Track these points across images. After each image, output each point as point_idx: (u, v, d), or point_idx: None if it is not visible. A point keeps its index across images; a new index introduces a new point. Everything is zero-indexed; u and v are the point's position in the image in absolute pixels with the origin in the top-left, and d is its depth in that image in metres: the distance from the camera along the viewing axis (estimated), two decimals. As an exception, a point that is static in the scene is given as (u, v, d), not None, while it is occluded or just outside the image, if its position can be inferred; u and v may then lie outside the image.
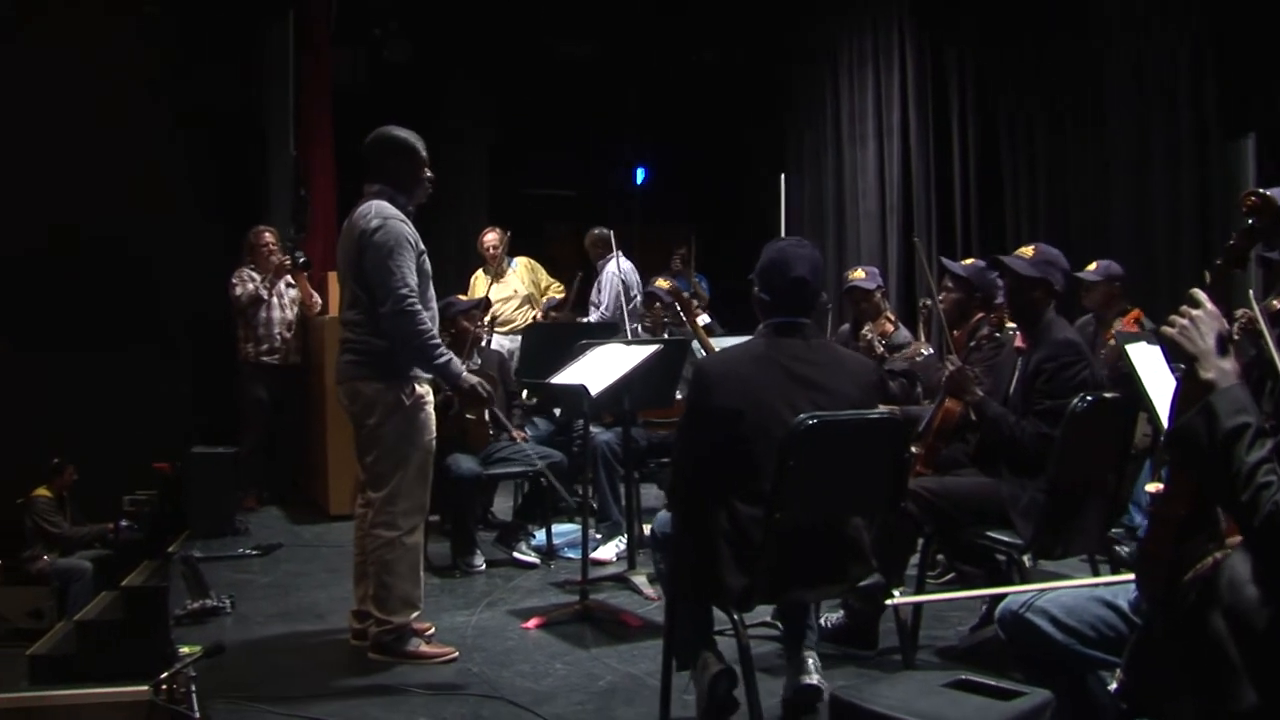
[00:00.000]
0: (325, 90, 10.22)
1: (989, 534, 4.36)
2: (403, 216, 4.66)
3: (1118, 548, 5.64)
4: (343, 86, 10.68)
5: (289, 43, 9.83)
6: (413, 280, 4.56)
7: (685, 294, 7.61)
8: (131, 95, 9.13)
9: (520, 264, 9.30)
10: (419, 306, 4.55)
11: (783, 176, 6.06)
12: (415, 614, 4.75)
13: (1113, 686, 2.55)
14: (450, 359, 4.68)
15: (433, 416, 4.82)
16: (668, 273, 9.89)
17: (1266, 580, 2.14)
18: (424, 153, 4.81)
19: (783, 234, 5.84)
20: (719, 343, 6.11)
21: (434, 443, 4.80)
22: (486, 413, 6.44)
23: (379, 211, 4.61)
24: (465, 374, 4.77)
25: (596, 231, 9.47)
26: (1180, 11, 7.73)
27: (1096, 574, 4.53)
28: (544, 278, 9.42)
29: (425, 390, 4.77)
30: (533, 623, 5.15)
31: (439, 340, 4.67)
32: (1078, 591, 2.74)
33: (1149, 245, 7.78)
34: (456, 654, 4.73)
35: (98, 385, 8.75)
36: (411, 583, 4.72)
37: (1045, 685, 2.78)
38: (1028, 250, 4.67)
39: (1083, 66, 8.53)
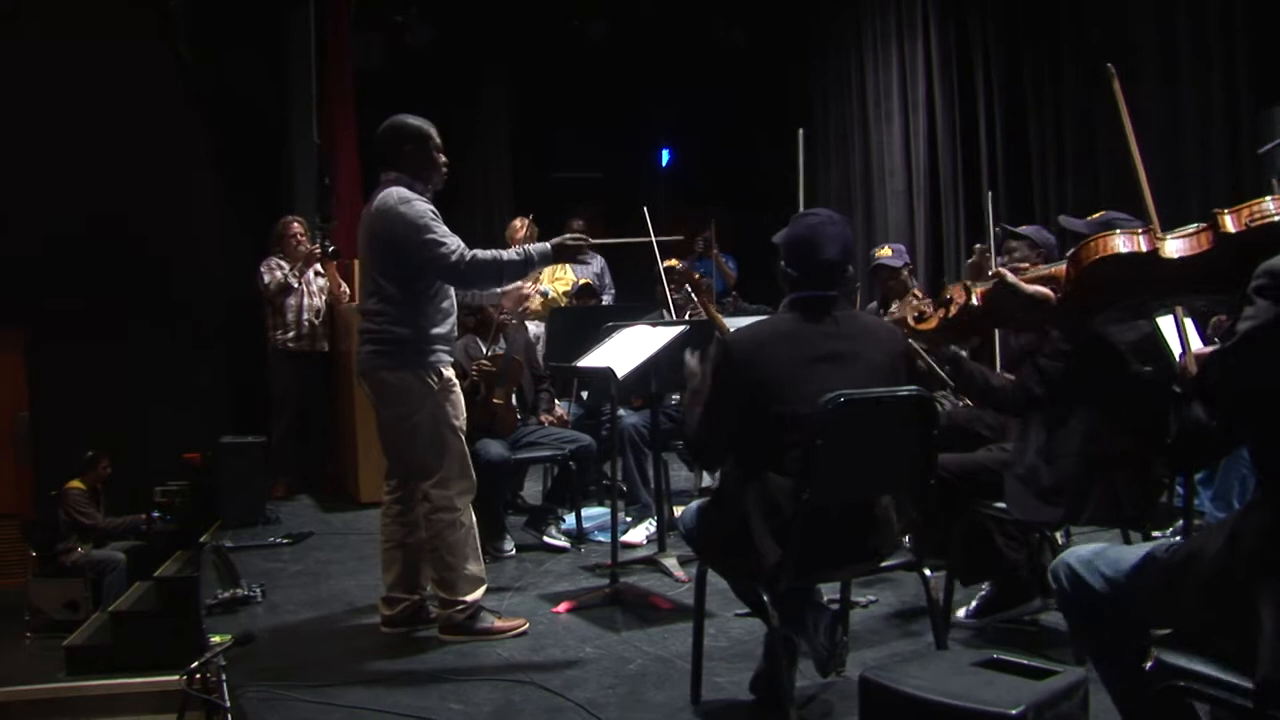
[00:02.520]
0: (347, 76, 10.23)
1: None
2: (424, 198, 4.68)
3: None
4: (365, 72, 10.67)
5: (310, 29, 9.83)
6: (453, 239, 4.59)
7: (701, 276, 7.50)
8: (155, 85, 9.16)
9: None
10: (468, 251, 4.58)
11: (800, 132, 5.93)
12: (483, 589, 4.81)
13: (1149, 664, 2.52)
14: (523, 251, 4.71)
15: (462, 398, 4.84)
16: (691, 256, 9.88)
17: None
18: (437, 138, 4.82)
19: (800, 192, 5.73)
20: (731, 324, 6.06)
21: (466, 423, 4.84)
22: (513, 395, 6.45)
23: (400, 196, 4.63)
24: (550, 244, 4.78)
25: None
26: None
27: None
28: (565, 274, 9.26)
29: (451, 374, 4.78)
30: (563, 607, 5.15)
31: (505, 252, 4.70)
32: (1125, 548, 2.71)
33: (1180, 215, 7.68)
34: (527, 625, 4.82)
35: (127, 376, 8.81)
36: (475, 561, 4.78)
37: (1093, 643, 2.74)
38: (1096, 215, 4.58)
39: (1111, 34, 8.43)
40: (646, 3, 12.23)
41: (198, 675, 3.71)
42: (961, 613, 4.67)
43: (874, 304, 6.77)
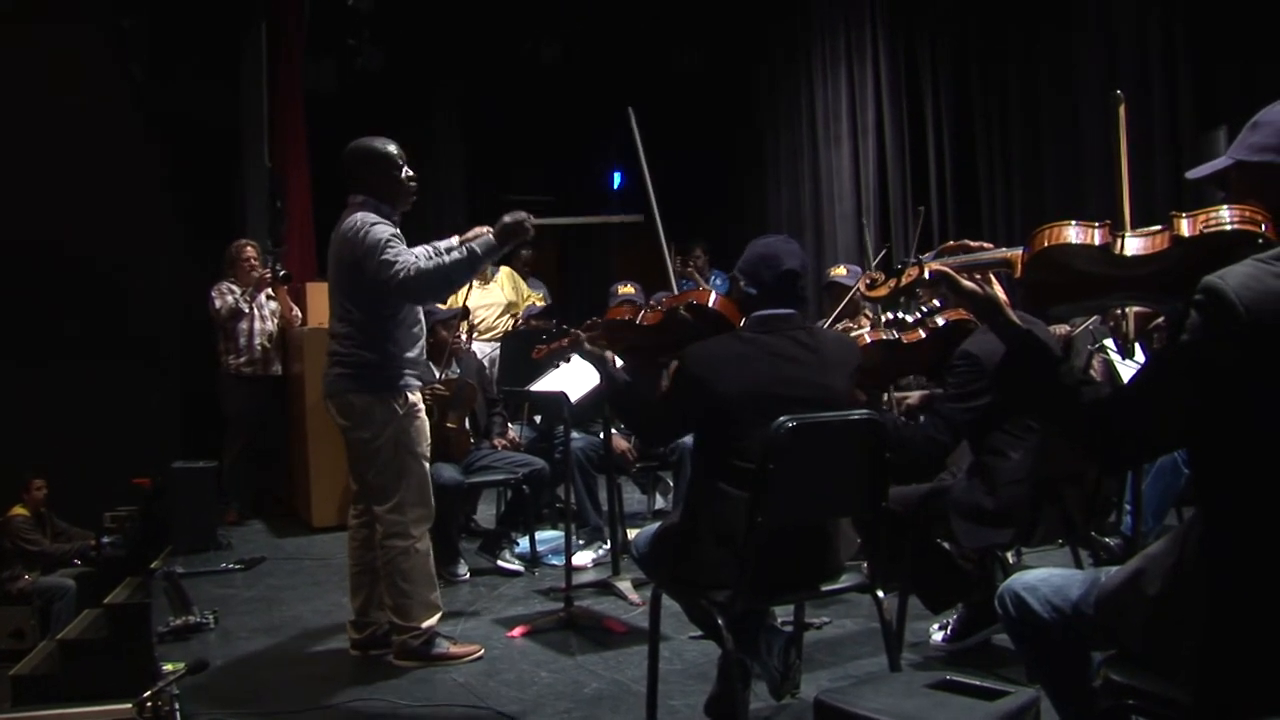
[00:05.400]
0: (299, 100, 10.19)
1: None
2: (388, 223, 4.66)
3: (1108, 539, 5.67)
4: (316, 96, 10.64)
5: (262, 53, 9.80)
6: (407, 255, 4.55)
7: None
8: (107, 108, 9.08)
9: (503, 272, 9.31)
10: (413, 266, 4.50)
11: (630, 110, 5.88)
12: (439, 615, 4.81)
13: (1097, 684, 2.55)
14: (467, 249, 4.59)
15: (427, 423, 4.84)
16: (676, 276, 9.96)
17: None
18: (400, 157, 4.80)
19: (645, 170, 5.70)
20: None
21: (429, 449, 4.83)
22: (466, 419, 6.45)
23: (363, 221, 4.61)
24: (489, 232, 4.67)
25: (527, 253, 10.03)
26: (1153, 3, 7.77)
27: (1080, 568, 4.54)
28: (524, 288, 9.45)
29: (417, 398, 4.77)
30: (517, 631, 5.15)
31: (448, 255, 4.63)
32: (1070, 573, 2.75)
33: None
34: (482, 651, 4.82)
35: (76, 400, 8.69)
36: (430, 587, 4.78)
37: (1041, 667, 2.77)
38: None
39: (1056, 59, 8.57)
40: (597, 27, 12.26)
41: (149, 704, 3.68)
42: (938, 637, 4.69)
43: (824, 321, 6.83)
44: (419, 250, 4.85)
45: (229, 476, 8.15)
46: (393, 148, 4.80)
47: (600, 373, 4.06)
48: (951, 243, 4.05)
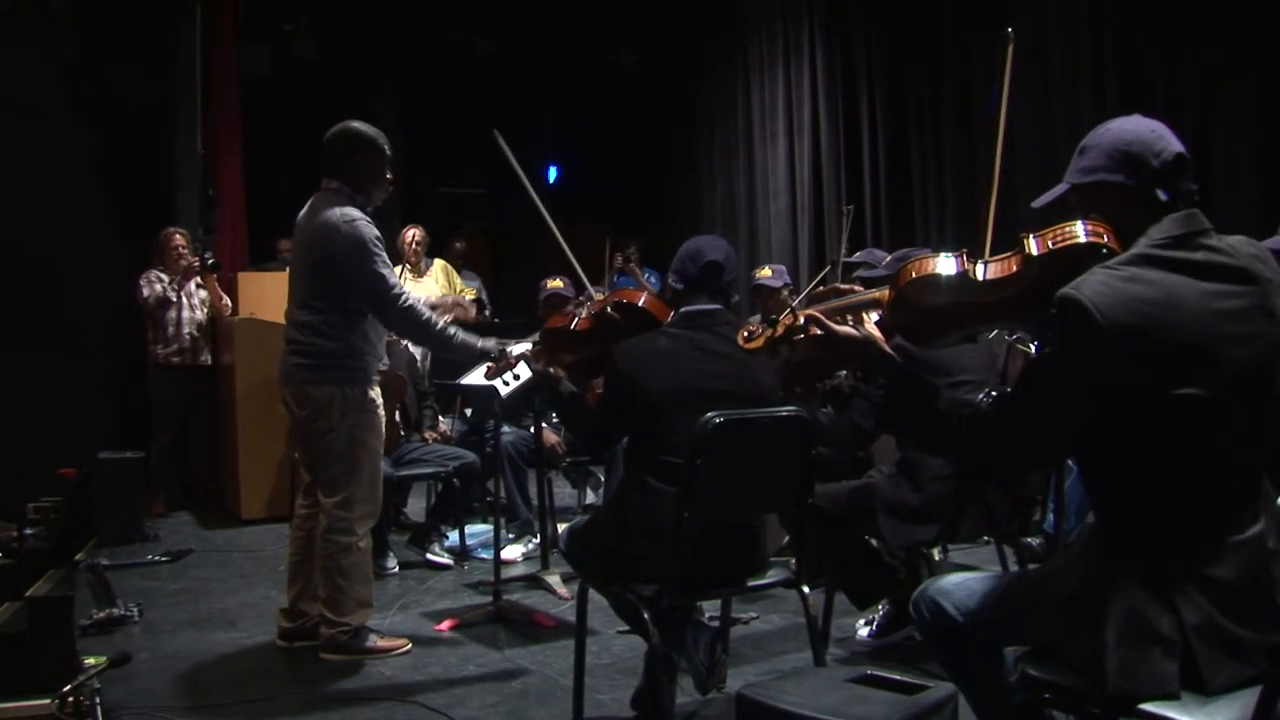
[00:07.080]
0: (233, 87, 10.09)
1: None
2: (367, 219, 4.60)
3: (1031, 538, 5.75)
4: (251, 83, 10.53)
5: (196, 37, 9.67)
6: (395, 275, 4.58)
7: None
8: (36, 92, 8.91)
9: (437, 265, 9.30)
10: (414, 299, 4.58)
11: (497, 134, 5.80)
12: (369, 612, 4.79)
13: (1014, 677, 2.60)
14: (461, 336, 4.66)
15: (383, 419, 4.80)
16: (613, 271, 9.96)
17: None
18: (389, 151, 4.75)
19: (532, 190, 5.70)
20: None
21: (384, 445, 4.80)
22: (396, 412, 6.42)
23: (344, 215, 4.53)
24: (492, 342, 4.71)
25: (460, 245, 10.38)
26: (1084, 4, 7.88)
27: (1005, 566, 4.61)
28: (457, 281, 9.44)
29: (375, 393, 4.73)
30: (446, 625, 5.15)
31: (445, 324, 4.65)
32: (984, 576, 2.79)
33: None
34: (410, 645, 4.80)
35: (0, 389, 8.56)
36: (365, 585, 4.76)
37: (957, 668, 2.81)
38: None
39: (989, 60, 8.65)
40: (535, 21, 12.25)
41: (70, 699, 3.63)
42: (864, 633, 4.74)
43: (755, 319, 6.87)
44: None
45: (156, 467, 8.05)
46: (385, 142, 4.75)
47: (547, 390, 4.08)
48: (822, 289, 4.11)
